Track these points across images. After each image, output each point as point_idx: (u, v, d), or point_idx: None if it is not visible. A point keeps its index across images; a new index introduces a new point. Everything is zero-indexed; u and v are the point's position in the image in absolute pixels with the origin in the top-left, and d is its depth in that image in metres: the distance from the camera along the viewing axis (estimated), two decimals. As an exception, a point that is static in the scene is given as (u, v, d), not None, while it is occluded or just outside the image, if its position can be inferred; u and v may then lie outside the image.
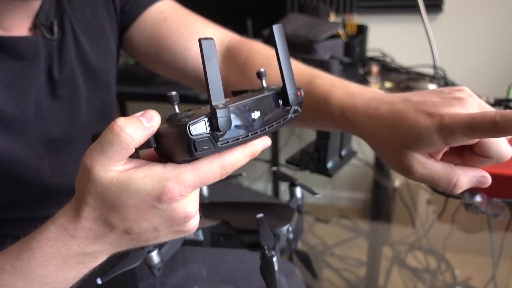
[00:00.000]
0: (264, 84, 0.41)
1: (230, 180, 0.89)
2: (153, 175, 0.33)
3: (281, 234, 0.50)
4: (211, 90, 0.32)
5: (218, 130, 0.32)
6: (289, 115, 0.40)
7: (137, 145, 0.33)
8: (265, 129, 0.37)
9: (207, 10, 1.76)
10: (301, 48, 1.13)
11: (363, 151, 1.40)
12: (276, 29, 0.38)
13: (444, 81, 1.20)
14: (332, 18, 1.33)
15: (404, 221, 0.86)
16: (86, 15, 0.66)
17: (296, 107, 0.40)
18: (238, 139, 0.34)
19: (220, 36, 0.72)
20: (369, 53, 1.46)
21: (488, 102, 0.99)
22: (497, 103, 0.97)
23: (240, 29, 1.60)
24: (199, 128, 0.32)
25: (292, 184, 0.57)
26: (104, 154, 0.33)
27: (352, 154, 0.91)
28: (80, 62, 0.65)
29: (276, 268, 0.45)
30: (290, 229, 0.51)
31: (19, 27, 0.57)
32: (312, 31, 1.14)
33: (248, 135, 0.35)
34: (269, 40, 1.25)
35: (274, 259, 0.46)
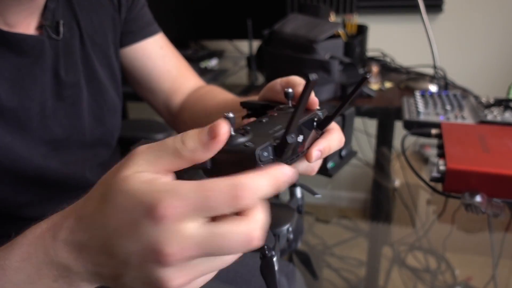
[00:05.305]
0: (290, 104, 0.43)
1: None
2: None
3: (281, 234, 0.50)
4: (293, 124, 0.32)
5: (280, 157, 0.33)
6: (318, 138, 0.41)
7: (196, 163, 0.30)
8: (304, 151, 0.38)
9: (207, 10, 1.77)
10: (301, 48, 1.13)
11: (363, 151, 1.40)
12: None
13: (444, 81, 1.20)
14: (332, 18, 1.33)
15: (404, 221, 0.86)
16: (93, 22, 0.67)
17: (324, 130, 0.42)
18: (287, 162, 0.35)
19: (196, 82, 0.83)
20: (369, 53, 1.46)
21: (488, 102, 0.99)
22: (497, 103, 0.97)
23: (240, 29, 1.60)
24: (266, 153, 0.32)
25: (292, 184, 0.57)
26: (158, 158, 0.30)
27: (352, 154, 0.91)
28: (84, 66, 0.66)
29: (276, 268, 0.45)
30: (290, 229, 0.51)
31: (24, 24, 0.57)
32: (312, 31, 1.14)
33: (293, 158, 0.36)
34: (269, 40, 1.24)
35: (274, 259, 0.46)
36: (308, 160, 0.39)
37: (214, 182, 0.27)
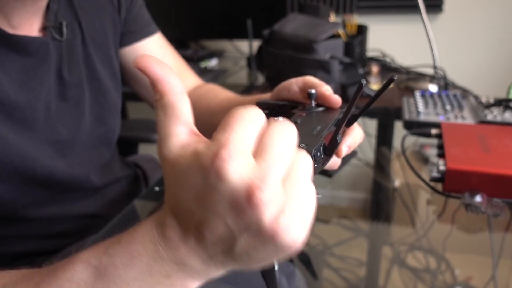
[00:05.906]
0: (313, 104, 0.46)
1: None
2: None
3: (281, 234, 0.50)
4: (343, 125, 0.36)
5: (330, 155, 0.37)
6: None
7: None
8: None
9: (207, 10, 1.77)
10: (301, 48, 1.13)
11: (363, 151, 1.40)
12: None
13: (444, 81, 1.20)
14: (332, 18, 1.33)
15: (404, 221, 0.86)
16: (94, 22, 0.68)
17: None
18: (328, 161, 0.39)
19: (195, 81, 0.85)
20: (369, 53, 1.46)
21: (488, 102, 0.99)
22: (497, 103, 0.97)
23: (240, 29, 1.60)
24: (319, 153, 0.35)
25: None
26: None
27: (352, 154, 0.91)
28: (86, 66, 0.66)
29: (276, 267, 0.45)
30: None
31: (27, 25, 0.57)
32: (312, 31, 1.14)
33: (333, 156, 0.39)
34: (269, 40, 1.24)
35: (274, 259, 0.46)
36: (339, 155, 0.42)
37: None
